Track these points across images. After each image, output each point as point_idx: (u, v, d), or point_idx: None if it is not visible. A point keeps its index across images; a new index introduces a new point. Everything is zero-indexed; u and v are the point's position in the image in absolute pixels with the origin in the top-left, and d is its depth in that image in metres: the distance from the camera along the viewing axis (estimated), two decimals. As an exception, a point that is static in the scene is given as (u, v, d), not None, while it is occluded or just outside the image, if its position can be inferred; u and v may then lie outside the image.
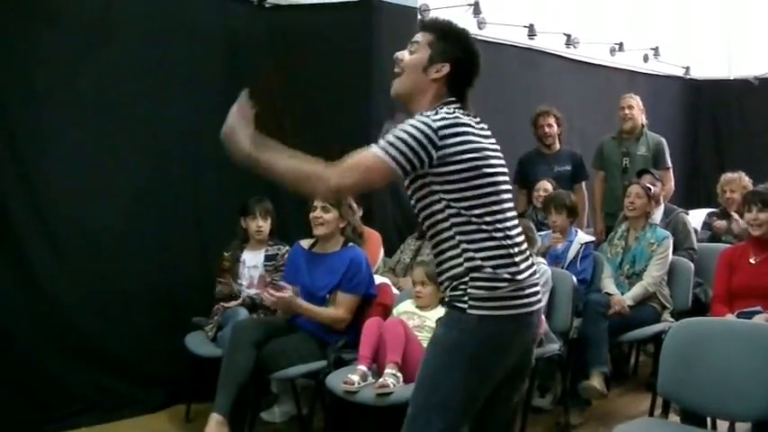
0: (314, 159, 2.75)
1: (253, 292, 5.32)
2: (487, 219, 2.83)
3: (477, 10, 7.51)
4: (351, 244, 4.91)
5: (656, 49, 10.04)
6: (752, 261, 5.12)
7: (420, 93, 2.96)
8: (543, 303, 3.01)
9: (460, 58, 2.98)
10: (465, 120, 2.89)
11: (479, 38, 7.54)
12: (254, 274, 5.42)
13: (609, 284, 5.76)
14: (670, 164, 7.40)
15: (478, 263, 2.81)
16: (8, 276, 5.01)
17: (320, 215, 4.84)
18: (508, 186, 2.95)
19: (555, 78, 8.48)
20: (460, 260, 2.84)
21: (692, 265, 5.89)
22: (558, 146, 7.20)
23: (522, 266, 2.87)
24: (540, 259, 5.41)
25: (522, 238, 2.94)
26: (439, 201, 2.83)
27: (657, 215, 6.32)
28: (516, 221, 2.94)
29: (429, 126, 2.77)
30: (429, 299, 4.61)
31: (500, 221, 2.86)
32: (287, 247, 5.35)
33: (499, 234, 2.84)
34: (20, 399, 4.99)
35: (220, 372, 4.66)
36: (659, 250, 5.76)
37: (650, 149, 7.30)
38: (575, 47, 8.81)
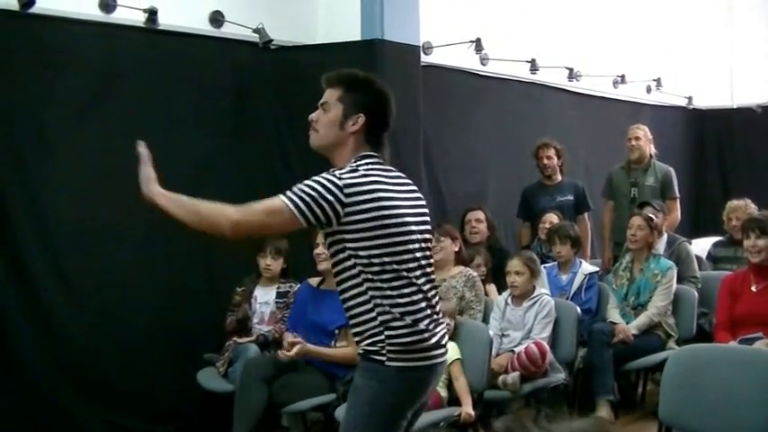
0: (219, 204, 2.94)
1: (265, 328, 5.40)
2: (397, 275, 2.96)
3: (479, 46, 7.59)
4: (357, 280, 4.96)
5: (658, 80, 10.13)
6: (753, 289, 5.18)
7: (340, 146, 3.08)
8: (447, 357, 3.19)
9: (372, 105, 3.09)
10: (377, 177, 2.99)
11: (482, 74, 7.72)
12: (266, 310, 5.51)
13: (614, 314, 5.84)
14: (678, 194, 7.46)
15: (391, 322, 2.94)
16: (22, 314, 5.09)
17: (322, 251, 4.91)
18: (425, 243, 3.09)
19: (558, 111, 8.57)
20: (373, 314, 2.96)
21: (696, 293, 5.96)
22: (559, 177, 7.29)
23: (435, 318, 3.04)
24: (544, 290, 5.49)
25: (436, 289, 3.11)
26: (349, 257, 2.96)
27: (661, 245, 6.39)
28: (432, 278, 3.09)
29: (335, 184, 2.89)
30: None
31: (413, 277, 2.99)
32: (298, 285, 5.42)
33: (411, 289, 2.97)
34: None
35: (234, 410, 4.77)
36: (663, 281, 5.84)
37: (658, 180, 7.37)
38: (577, 80, 8.90)
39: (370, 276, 2.95)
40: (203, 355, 5.48)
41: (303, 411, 4.95)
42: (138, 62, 5.55)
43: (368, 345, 2.99)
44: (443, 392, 4.67)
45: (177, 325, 5.65)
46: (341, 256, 2.99)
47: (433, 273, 3.12)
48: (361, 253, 2.94)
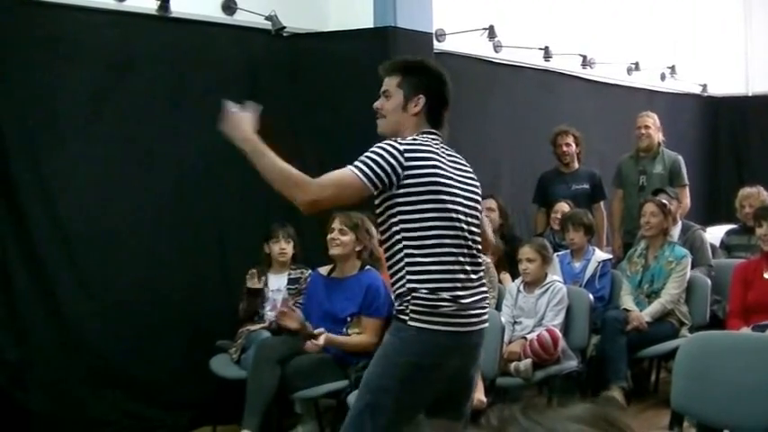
0: (299, 171, 3.06)
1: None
2: (437, 242, 3.09)
3: (492, 33, 7.55)
4: (368, 267, 4.98)
5: (672, 68, 10.09)
6: (766, 276, 5.17)
7: (405, 128, 3.24)
8: (486, 324, 3.27)
9: (430, 85, 3.29)
10: (432, 147, 3.16)
11: (495, 61, 7.70)
12: (278, 297, 5.51)
13: (628, 301, 5.82)
14: (687, 181, 7.42)
15: (417, 285, 3.07)
16: (36, 305, 5.10)
17: (337, 237, 4.91)
18: (472, 219, 3.22)
19: (572, 99, 8.55)
20: (403, 282, 3.10)
21: (709, 281, 5.93)
22: (576, 165, 7.27)
23: (469, 291, 3.13)
24: (556, 277, 5.49)
25: (478, 265, 3.21)
26: (396, 224, 3.10)
27: (675, 232, 6.36)
28: (474, 252, 3.19)
29: (396, 148, 3.05)
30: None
31: (453, 246, 3.11)
32: (309, 271, 5.43)
33: (448, 258, 3.09)
34: (48, 426, 5.06)
35: (247, 390, 4.80)
36: (678, 268, 5.81)
37: (666, 168, 7.33)
38: (591, 67, 8.88)
39: (407, 243, 3.09)
40: (216, 343, 5.50)
41: (316, 398, 4.97)
42: (151, 50, 5.53)
43: (398, 305, 3.15)
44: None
45: (190, 313, 5.65)
46: (387, 224, 3.14)
47: (476, 248, 3.22)
48: (406, 217, 3.09)
